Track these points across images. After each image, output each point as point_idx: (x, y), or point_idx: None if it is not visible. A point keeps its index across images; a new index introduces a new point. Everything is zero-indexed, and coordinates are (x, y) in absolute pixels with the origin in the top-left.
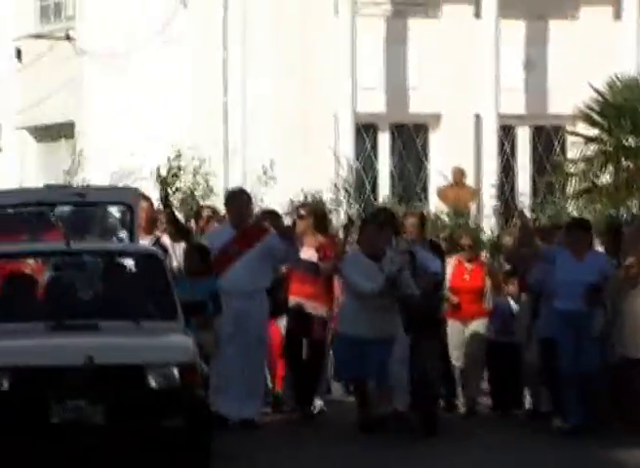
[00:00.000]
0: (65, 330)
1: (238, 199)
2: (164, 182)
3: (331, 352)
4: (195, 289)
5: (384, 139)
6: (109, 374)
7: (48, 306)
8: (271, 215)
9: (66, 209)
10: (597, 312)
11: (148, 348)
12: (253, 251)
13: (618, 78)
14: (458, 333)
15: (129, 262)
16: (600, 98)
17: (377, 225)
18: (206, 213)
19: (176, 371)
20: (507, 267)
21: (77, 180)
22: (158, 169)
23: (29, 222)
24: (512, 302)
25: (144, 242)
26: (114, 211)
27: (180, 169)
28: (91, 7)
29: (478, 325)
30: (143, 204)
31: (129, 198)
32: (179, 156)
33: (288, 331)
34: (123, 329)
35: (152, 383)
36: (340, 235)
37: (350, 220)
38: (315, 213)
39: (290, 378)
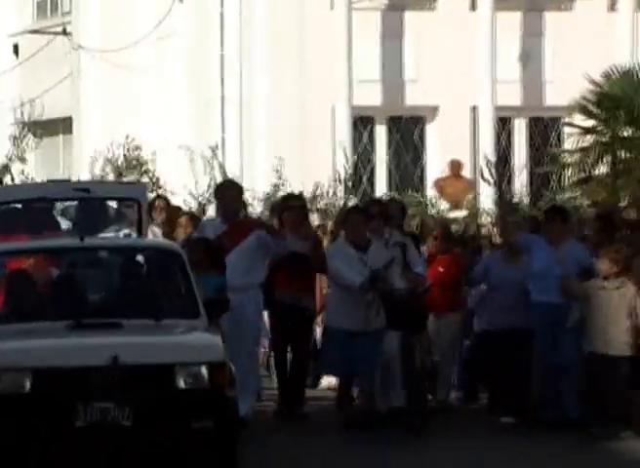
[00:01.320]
0: (86, 329)
1: (228, 191)
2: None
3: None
4: (201, 284)
5: (381, 132)
6: (136, 375)
7: (64, 304)
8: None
9: (71, 204)
10: (574, 304)
11: (176, 347)
12: (245, 244)
13: (614, 70)
14: (431, 325)
15: (147, 258)
16: (596, 90)
17: (361, 214)
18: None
19: (205, 371)
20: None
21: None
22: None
23: (33, 218)
24: None
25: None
26: (120, 206)
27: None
28: (87, 2)
29: (454, 316)
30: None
31: (136, 193)
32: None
33: (274, 326)
34: (146, 327)
35: (181, 383)
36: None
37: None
38: (304, 204)
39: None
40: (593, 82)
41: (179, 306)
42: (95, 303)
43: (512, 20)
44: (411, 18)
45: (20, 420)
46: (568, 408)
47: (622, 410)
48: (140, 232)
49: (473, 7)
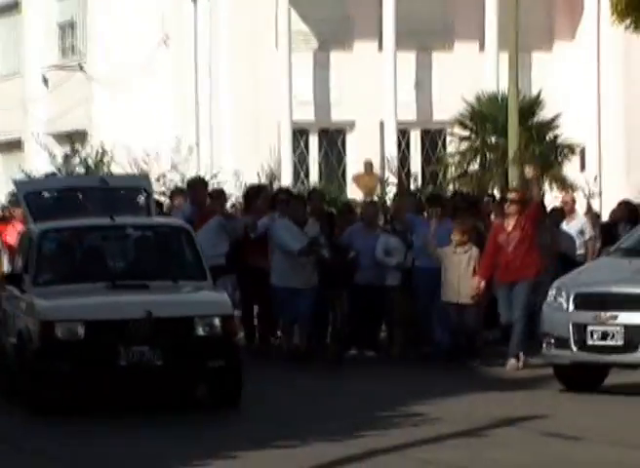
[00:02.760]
0: (121, 289)
1: (198, 184)
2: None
3: None
4: None
5: (314, 140)
6: (165, 325)
7: (99, 270)
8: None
9: (93, 193)
10: None
11: (195, 303)
12: (209, 225)
13: (483, 94)
14: None
15: (163, 233)
16: (470, 109)
17: (302, 200)
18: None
19: (218, 322)
20: None
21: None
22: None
23: (63, 203)
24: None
25: None
26: (133, 193)
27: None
28: (98, 46)
29: None
30: None
31: (144, 183)
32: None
33: (243, 286)
34: (168, 287)
35: (200, 332)
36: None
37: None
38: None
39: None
40: (468, 103)
41: (189, 270)
42: (123, 269)
43: (409, 58)
44: (335, 56)
45: (75, 361)
46: (440, 344)
47: (473, 345)
48: (149, 213)
49: (380, 48)
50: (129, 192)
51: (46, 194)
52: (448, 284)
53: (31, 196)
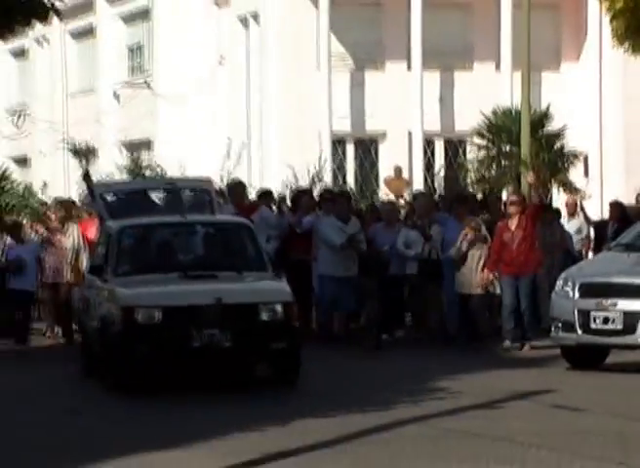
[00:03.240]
0: (192, 279)
1: (238, 186)
2: None
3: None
4: None
5: (350, 149)
6: (233, 311)
7: (172, 262)
8: (268, 195)
9: (162, 193)
10: None
11: (259, 291)
12: (254, 219)
13: (499, 108)
14: None
15: (228, 229)
16: (487, 121)
17: (347, 199)
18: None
19: (279, 308)
20: None
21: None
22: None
23: (137, 203)
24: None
25: None
26: (197, 194)
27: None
28: (162, 65)
29: None
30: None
31: (207, 185)
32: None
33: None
34: (234, 277)
35: (264, 317)
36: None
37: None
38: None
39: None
40: (485, 116)
41: (252, 262)
42: (194, 261)
43: (434, 76)
44: (368, 75)
45: (152, 342)
46: (461, 329)
47: (484, 328)
48: (212, 212)
49: (408, 68)
50: (194, 193)
51: (120, 195)
52: (461, 277)
53: (107, 196)
